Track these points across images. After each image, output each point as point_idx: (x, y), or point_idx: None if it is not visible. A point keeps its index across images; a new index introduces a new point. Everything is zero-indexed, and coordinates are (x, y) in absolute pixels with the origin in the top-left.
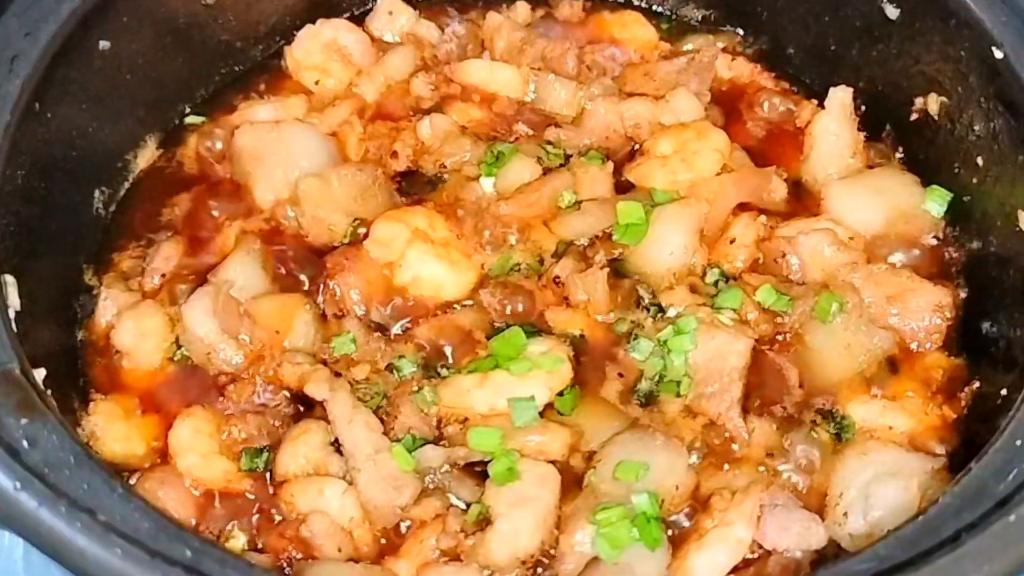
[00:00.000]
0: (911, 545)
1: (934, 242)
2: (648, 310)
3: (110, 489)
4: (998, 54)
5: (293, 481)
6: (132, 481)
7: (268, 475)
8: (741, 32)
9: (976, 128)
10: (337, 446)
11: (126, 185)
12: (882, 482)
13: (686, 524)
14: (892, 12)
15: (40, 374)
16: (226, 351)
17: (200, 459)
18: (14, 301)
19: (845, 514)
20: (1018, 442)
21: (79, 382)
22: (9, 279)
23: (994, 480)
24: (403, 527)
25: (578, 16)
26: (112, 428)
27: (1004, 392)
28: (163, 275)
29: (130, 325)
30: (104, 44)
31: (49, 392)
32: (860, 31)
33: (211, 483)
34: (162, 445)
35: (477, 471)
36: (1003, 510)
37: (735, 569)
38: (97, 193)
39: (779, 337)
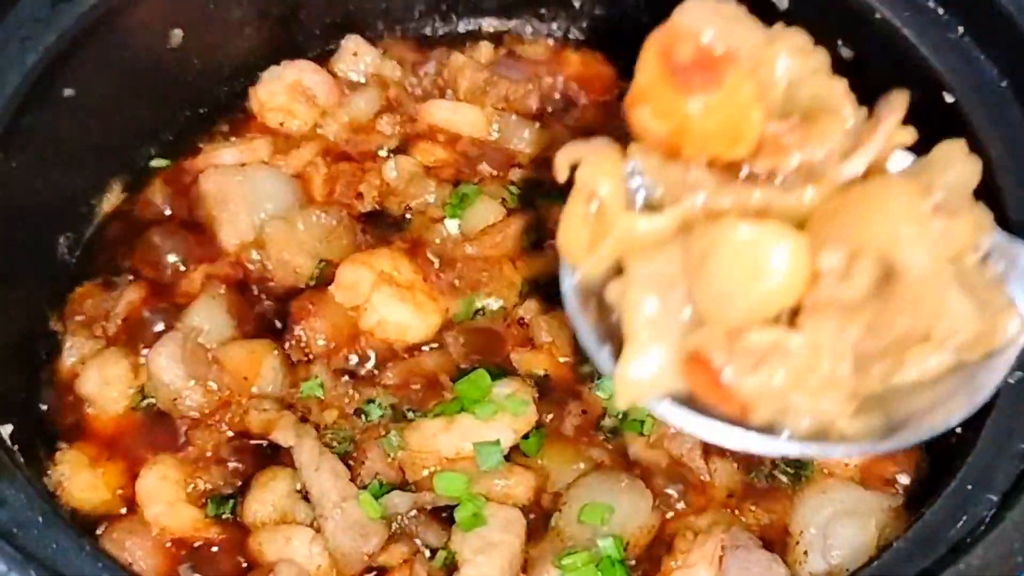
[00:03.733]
0: None
1: None
2: None
3: (79, 548)
4: (948, 99)
5: (261, 529)
6: (100, 531)
7: (236, 522)
8: None
9: None
10: (304, 493)
11: (90, 230)
12: (840, 521)
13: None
14: (846, 53)
15: (7, 430)
16: (192, 397)
17: (167, 507)
18: None
19: (805, 552)
20: (969, 487)
21: (43, 430)
22: None
23: (945, 526)
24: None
25: (542, 55)
26: (78, 477)
27: (959, 430)
28: (126, 319)
29: (94, 373)
30: (69, 91)
31: (16, 446)
32: None
33: (179, 532)
34: (129, 493)
35: (443, 516)
36: (953, 557)
37: None
38: (62, 239)
39: None
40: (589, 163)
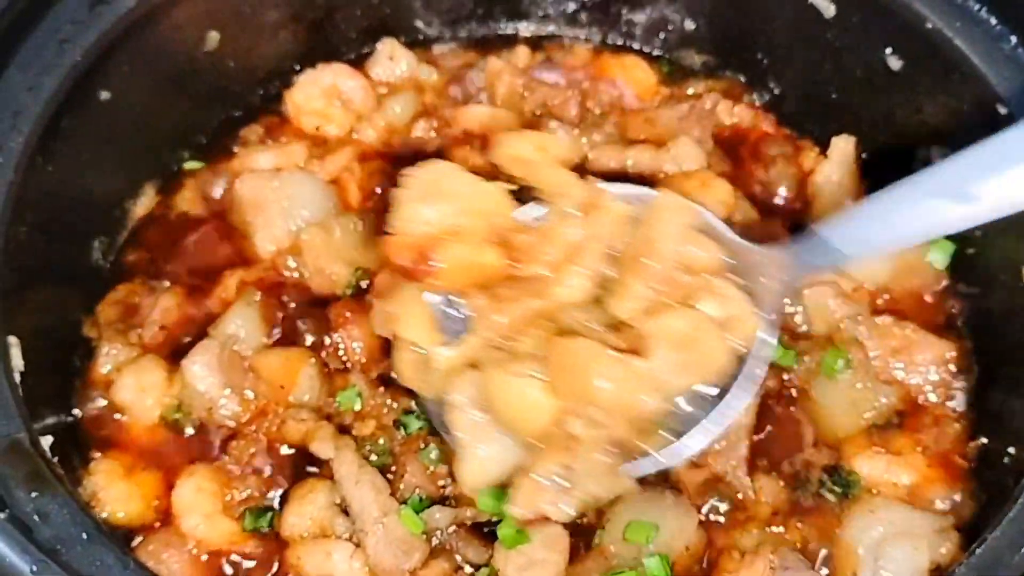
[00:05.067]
0: None
1: (938, 294)
2: None
3: (123, 566)
4: (1002, 110)
5: (299, 543)
6: (135, 543)
7: (274, 535)
8: (742, 78)
9: None
10: (343, 506)
11: (124, 234)
12: (891, 543)
13: None
14: (895, 64)
15: (47, 442)
16: (228, 406)
17: (203, 520)
18: (18, 363)
19: (854, 574)
20: None
21: (77, 439)
22: (13, 340)
23: (1009, 551)
24: None
25: (580, 60)
26: (113, 488)
27: (1012, 450)
28: (162, 327)
29: (130, 380)
30: (105, 95)
31: (56, 459)
32: (862, 81)
33: (215, 545)
34: (164, 503)
35: (485, 532)
36: None
37: None
38: (96, 243)
39: (785, 391)
40: (401, 317)
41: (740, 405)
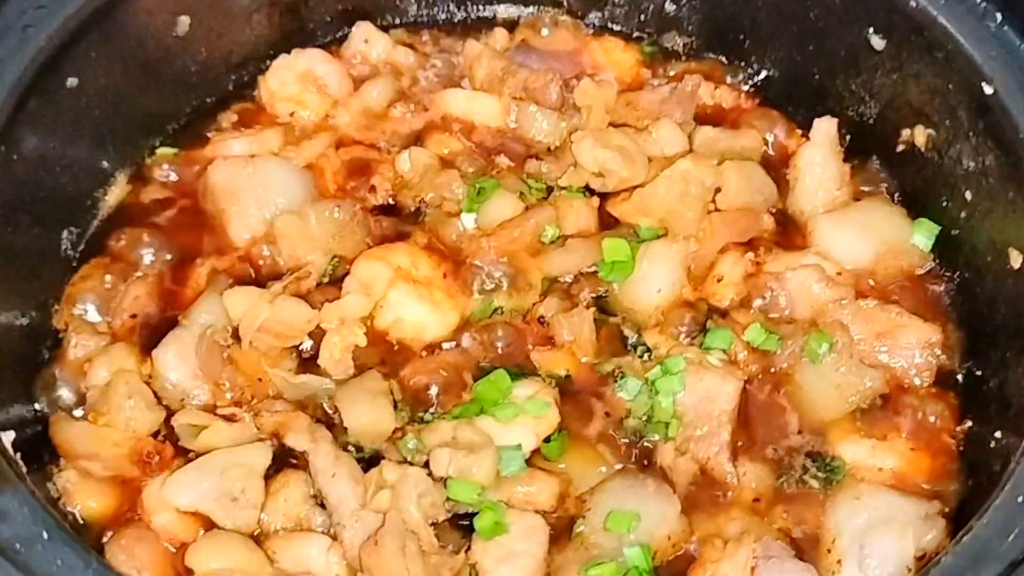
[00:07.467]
0: None
1: (923, 277)
2: (635, 350)
3: (85, 565)
4: (988, 90)
5: (273, 537)
6: (106, 538)
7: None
8: (724, 60)
9: (964, 162)
10: (320, 499)
11: (95, 223)
12: (876, 530)
13: None
14: (878, 43)
15: (8, 437)
16: (200, 398)
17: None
18: None
19: (839, 561)
20: (1019, 499)
21: (47, 433)
22: None
23: (996, 539)
24: None
25: (560, 42)
26: (84, 483)
27: (998, 435)
28: (133, 315)
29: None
30: (72, 81)
31: (18, 454)
32: (845, 61)
33: (188, 540)
34: (136, 498)
35: (462, 523)
36: (1010, 573)
37: None
38: (65, 233)
39: (769, 376)
40: None
41: None
